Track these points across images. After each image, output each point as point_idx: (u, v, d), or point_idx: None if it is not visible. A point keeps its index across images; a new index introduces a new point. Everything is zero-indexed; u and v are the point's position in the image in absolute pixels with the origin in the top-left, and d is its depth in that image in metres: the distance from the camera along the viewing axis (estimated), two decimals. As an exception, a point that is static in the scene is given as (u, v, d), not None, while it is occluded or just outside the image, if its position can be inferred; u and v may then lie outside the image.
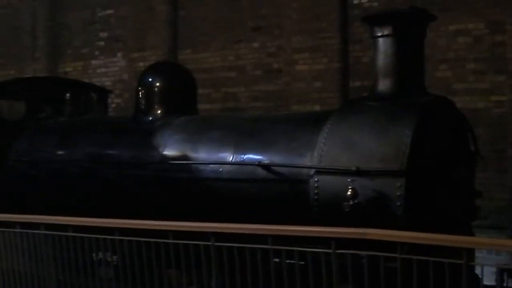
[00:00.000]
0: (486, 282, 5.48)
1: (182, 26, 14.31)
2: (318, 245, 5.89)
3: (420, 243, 5.42)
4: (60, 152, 9.45)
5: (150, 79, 9.09)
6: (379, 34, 6.94)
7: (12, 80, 12.80)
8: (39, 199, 9.31)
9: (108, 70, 15.70)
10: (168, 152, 8.06)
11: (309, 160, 6.81)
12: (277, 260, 6.13)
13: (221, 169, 7.48)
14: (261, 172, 7.11)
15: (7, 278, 8.26)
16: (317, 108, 11.63)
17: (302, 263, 6.00)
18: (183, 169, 7.82)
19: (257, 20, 13.27)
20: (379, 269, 5.56)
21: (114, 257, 7.37)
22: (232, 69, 13.40)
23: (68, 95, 10.73)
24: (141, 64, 14.27)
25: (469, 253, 5.52)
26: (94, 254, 7.55)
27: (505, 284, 5.39)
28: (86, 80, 13.57)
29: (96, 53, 16.13)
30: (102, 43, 16.05)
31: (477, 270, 5.72)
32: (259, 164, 7.11)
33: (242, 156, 7.39)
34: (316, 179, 6.60)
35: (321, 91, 12.12)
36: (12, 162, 9.91)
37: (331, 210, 6.42)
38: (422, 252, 5.41)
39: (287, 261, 6.04)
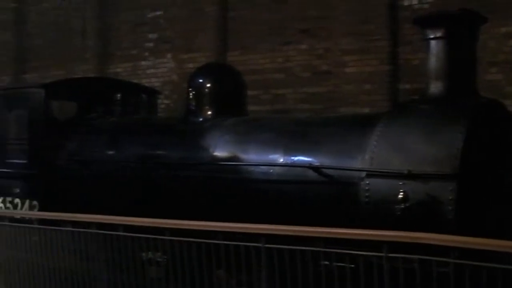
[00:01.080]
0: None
1: (231, 28, 14.32)
2: (368, 248, 5.86)
3: (472, 248, 5.36)
4: (110, 153, 9.55)
5: (201, 80, 9.14)
6: (431, 36, 6.90)
7: (64, 80, 12.93)
8: (90, 199, 9.41)
9: (157, 71, 15.76)
10: (218, 153, 8.10)
11: (359, 162, 6.78)
12: (327, 263, 6.12)
13: (271, 171, 7.49)
14: (311, 174, 7.10)
15: (59, 277, 8.35)
16: (366, 110, 11.55)
17: (353, 266, 5.98)
18: (233, 170, 7.84)
19: (306, 22, 13.22)
20: (430, 273, 5.51)
21: (164, 257, 7.42)
22: (281, 71, 13.36)
23: (118, 95, 10.82)
24: (190, 65, 14.30)
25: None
26: (143, 254, 7.61)
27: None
28: (135, 81, 13.64)
29: (145, 54, 16.20)
30: (151, 44, 16.12)
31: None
32: (310, 166, 7.11)
33: (292, 157, 7.40)
34: (367, 182, 6.58)
35: (370, 93, 12.04)
36: (63, 161, 10.03)
37: (381, 213, 6.39)
38: (473, 257, 5.36)
39: (338, 264, 6.01)
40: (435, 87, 6.89)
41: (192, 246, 6.88)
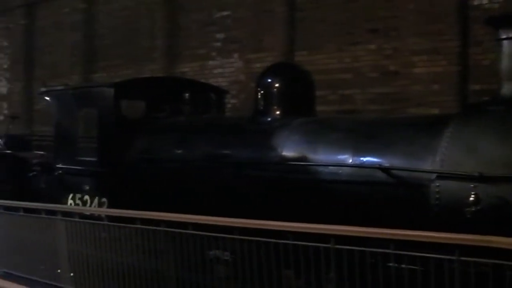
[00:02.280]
0: None
1: (298, 28, 14.32)
2: (437, 250, 5.79)
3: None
4: (178, 151, 9.63)
5: (270, 80, 9.15)
6: (504, 37, 6.76)
7: (133, 79, 13.08)
8: (158, 197, 9.50)
9: (225, 71, 15.85)
10: (287, 153, 8.10)
11: (430, 164, 6.70)
12: (397, 265, 6.06)
13: (340, 171, 7.46)
14: (380, 175, 7.04)
15: (127, 273, 8.44)
16: (434, 111, 11.42)
17: (422, 269, 5.92)
18: (301, 170, 7.83)
19: (374, 22, 13.14)
20: (503, 278, 5.43)
21: (232, 255, 7.44)
22: (349, 71, 13.30)
23: (187, 94, 10.89)
24: (257, 65, 14.34)
25: None
26: (211, 252, 7.65)
27: None
28: (203, 81, 13.72)
29: (213, 54, 16.32)
30: (218, 44, 16.21)
31: None
32: (379, 167, 7.06)
33: (362, 158, 7.35)
34: (437, 184, 6.50)
35: (439, 94, 11.90)
36: (132, 160, 10.15)
37: (452, 215, 6.30)
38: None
39: (408, 266, 5.96)
40: (508, 89, 6.75)
41: (261, 246, 6.89)
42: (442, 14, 12.13)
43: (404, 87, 12.49)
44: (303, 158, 7.89)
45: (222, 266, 7.62)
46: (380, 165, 7.07)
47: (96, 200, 10.42)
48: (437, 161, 6.60)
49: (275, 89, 9.00)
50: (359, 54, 13.29)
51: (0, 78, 25.63)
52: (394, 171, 6.97)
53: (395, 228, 6.07)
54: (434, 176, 6.54)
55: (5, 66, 25.35)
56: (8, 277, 10.37)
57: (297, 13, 14.41)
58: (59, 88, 12.52)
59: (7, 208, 10.75)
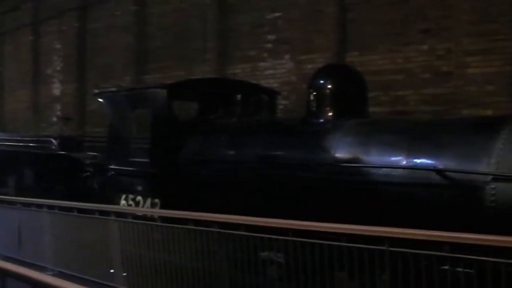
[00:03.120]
0: None
1: (350, 28, 14.24)
2: (494, 253, 5.70)
3: None
4: (231, 152, 9.66)
5: (322, 81, 9.13)
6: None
7: (185, 81, 13.16)
8: (210, 198, 9.54)
9: (276, 72, 15.82)
10: (339, 154, 8.07)
11: (485, 166, 6.63)
12: (453, 268, 5.99)
13: (393, 173, 7.41)
14: (434, 177, 6.98)
15: (180, 274, 8.49)
16: (489, 112, 11.28)
17: (478, 272, 5.84)
18: (354, 172, 7.80)
19: (426, 22, 13.01)
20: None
21: (285, 257, 7.43)
22: (401, 72, 13.18)
23: (238, 96, 10.90)
24: (308, 66, 14.30)
25: None
26: (264, 254, 7.65)
27: None
28: (254, 82, 13.72)
29: (264, 55, 16.31)
30: (270, 45, 16.19)
31: None
32: (433, 168, 6.99)
33: (415, 160, 7.29)
34: (493, 186, 6.43)
35: (493, 95, 11.73)
36: (184, 161, 10.20)
37: (508, 218, 6.23)
38: None
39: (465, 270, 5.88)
40: None
41: (314, 248, 6.87)
42: (496, 13, 11.96)
43: (457, 88, 12.33)
44: (356, 160, 7.85)
45: (275, 267, 7.62)
46: (434, 167, 7.01)
47: (148, 201, 10.49)
48: (493, 163, 6.53)
49: (327, 91, 8.97)
50: (411, 55, 13.16)
51: (53, 80, 25.97)
52: (448, 173, 6.91)
53: (449, 230, 6.00)
54: (489, 178, 6.48)
55: (58, 68, 25.67)
56: (62, 276, 10.50)
57: (348, 14, 14.34)
58: (112, 89, 12.64)
59: (62, 208, 10.89)
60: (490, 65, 12.00)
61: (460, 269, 5.86)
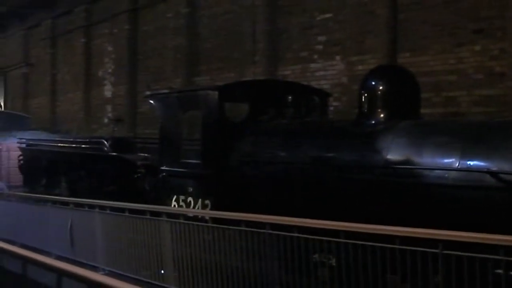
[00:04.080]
0: None
1: (401, 29, 14.14)
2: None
3: None
4: (282, 154, 9.65)
5: (374, 83, 9.07)
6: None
7: (236, 82, 13.20)
8: (261, 199, 9.54)
9: (327, 73, 15.79)
10: (392, 156, 8.00)
11: (539, 168, 6.54)
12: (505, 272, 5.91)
13: (446, 175, 7.33)
14: (489, 179, 6.89)
15: (231, 275, 8.51)
16: (543, 114, 11.13)
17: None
18: (407, 174, 7.72)
19: (479, 22, 12.86)
20: None
21: (335, 259, 7.40)
22: (453, 73, 13.04)
23: (290, 97, 10.88)
24: (360, 67, 14.28)
25: None
26: (315, 256, 7.64)
27: None
28: (305, 83, 13.69)
29: (315, 56, 16.28)
30: (320, 46, 16.16)
31: None
32: (487, 171, 6.90)
33: (469, 162, 7.20)
34: (548, 188, 6.34)
35: (547, 96, 11.62)
36: (236, 162, 10.21)
37: None
38: None
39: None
40: None
41: (366, 250, 6.84)
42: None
43: (510, 89, 12.17)
44: (408, 162, 7.78)
45: (326, 269, 7.60)
46: (488, 169, 6.92)
47: (199, 202, 10.53)
48: (549, 165, 6.43)
49: (379, 92, 8.91)
50: (464, 56, 13.02)
51: (105, 82, 26.30)
52: (502, 175, 6.82)
53: (503, 233, 5.92)
54: (545, 180, 6.38)
55: (110, 70, 25.98)
56: (114, 276, 10.60)
57: (399, 15, 14.24)
58: (164, 91, 12.73)
59: (113, 209, 10.99)
60: (544, 65, 11.84)
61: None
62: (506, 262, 5.80)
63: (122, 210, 10.75)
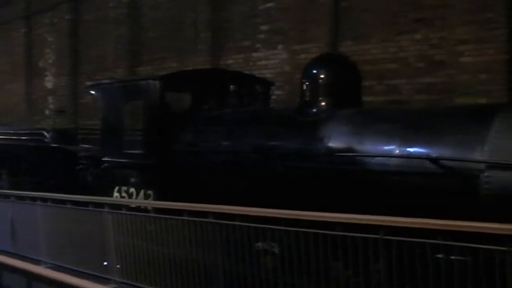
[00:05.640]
0: None
1: (343, 18, 14.20)
2: (488, 241, 5.69)
3: None
4: (225, 143, 9.63)
5: (316, 71, 9.10)
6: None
7: (179, 72, 13.12)
8: (205, 189, 9.51)
9: (269, 63, 15.76)
10: (334, 144, 8.05)
11: (479, 154, 6.62)
12: (446, 256, 5.98)
13: (387, 162, 7.40)
14: (429, 165, 6.97)
15: (174, 265, 8.47)
16: (482, 101, 11.26)
17: (472, 260, 5.83)
18: (348, 161, 7.77)
19: (420, 11, 12.98)
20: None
21: (279, 247, 7.42)
22: (394, 61, 13.17)
23: (232, 87, 10.86)
24: (302, 56, 14.29)
25: None
26: (259, 244, 7.65)
27: None
28: (247, 73, 13.67)
29: (257, 45, 16.26)
30: (263, 35, 16.14)
31: None
32: (427, 157, 6.98)
33: (409, 149, 7.28)
34: (487, 174, 6.42)
35: (486, 83, 11.71)
36: (178, 152, 10.17)
37: (503, 206, 6.23)
38: None
39: (458, 257, 5.87)
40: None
41: (309, 237, 6.86)
42: (490, 2, 11.94)
43: (451, 76, 12.32)
44: (350, 149, 7.83)
45: (270, 257, 7.61)
46: (428, 155, 6.99)
47: (142, 193, 10.47)
48: (487, 151, 6.53)
49: (321, 80, 8.95)
50: (405, 44, 13.13)
51: (46, 73, 25.92)
52: (443, 162, 6.90)
53: (444, 218, 5.99)
54: (483, 166, 6.46)
55: (51, 61, 25.62)
56: (57, 269, 10.49)
57: (341, 3, 14.30)
58: (105, 81, 12.60)
59: (55, 201, 10.85)
60: (483, 53, 11.99)
61: (453, 257, 5.85)
62: (444, 246, 5.86)
63: (64, 202, 10.62)
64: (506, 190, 6.19)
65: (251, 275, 7.59)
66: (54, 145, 14.06)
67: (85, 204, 10.07)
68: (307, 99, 9.04)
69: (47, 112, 25.35)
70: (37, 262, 11.02)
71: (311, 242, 6.86)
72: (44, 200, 11.06)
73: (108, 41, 21.94)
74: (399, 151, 7.33)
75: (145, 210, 9.50)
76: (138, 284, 9.04)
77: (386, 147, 7.50)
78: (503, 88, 11.60)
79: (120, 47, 21.10)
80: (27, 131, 16.14)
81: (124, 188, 10.82)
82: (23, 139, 15.52)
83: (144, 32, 20.44)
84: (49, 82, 25.72)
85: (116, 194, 10.92)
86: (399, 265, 6.17)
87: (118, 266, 9.44)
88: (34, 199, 11.33)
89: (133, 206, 9.88)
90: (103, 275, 9.68)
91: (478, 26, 12.02)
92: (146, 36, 20.36)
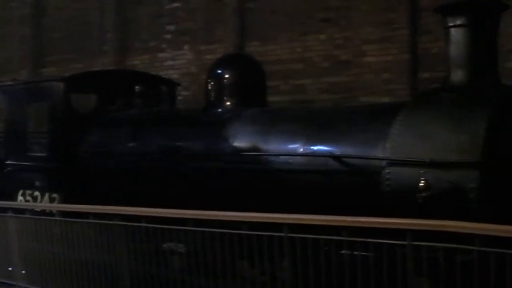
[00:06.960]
0: None
1: (250, 18, 14.27)
2: (390, 236, 5.81)
3: (498, 236, 5.29)
4: (131, 145, 9.58)
5: (220, 71, 9.16)
6: (452, 24, 6.82)
7: (83, 73, 12.95)
8: (112, 191, 9.44)
9: (175, 63, 15.69)
10: (239, 143, 8.10)
11: (381, 151, 6.74)
12: (350, 252, 6.09)
13: (292, 161, 7.49)
14: (332, 163, 7.08)
15: (80, 268, 8.38)
16: (385, 100, 11.48)
17: (375, 255, 5.95)
18: (254, 160, 7.84)
19: (326, 11, 13.14)
20: (453, 262, 5.47)
21: (185, 247, 7.42)
22: (300, 61, 13.31)
23: (138, 87, 10.80)
24: (208, 56, 14.27)
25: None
26: (166, 245, 7.63)
27: None
28: (154, 73, 13.59)
29: (163, 46, 16.18)
30: (169, 36, 16.06)
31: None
32: (330, 155, 7.09)
33: (313, 147, 7.38)
34: (388, 171, 6.54)
35: (390, 82, 11.97)
36: (84, 154, 10.07)
37: (403, 202, 6.35)
38: (498, 245, 5.30)
39: (361, 253, 5.98)
40: (456, 76, 6.81)
41: (215, 237, 6.88)
42: (393, 3, 12.19)
43: (355, 76, 12.52)
44: (255, 149, 7.89)
45: (176, 258, 7.60)
46: (331, 153, 7.10)
47: (46, 196, 10.30)
48: (388, 148, 6.64)
49: (225, 81, 9.01)
50: (311, 44, 13.28)
51: None
52: (346, 159, 7.01)
53: (348, 215, 6.09)
54: (384, 163, 6.58)
55: (-48, 62, 24.95)
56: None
57: (248, 4, 14.35)
58: (8, 83, 12.36)
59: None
60: (387, 53, 12.24)
61: (357, 253, 5.95)
62: (348, 242, 5.97)
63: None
64: (406, 186, 6.31)
65: (157, 276, 7.57)
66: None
67: (-12, 209, 9.85)
68: (212, 99, 9.09)
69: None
70: None
71: (217, 241, 6.88)
72: None
73: (12, 42, 21.47)
74: (303, 149, 7.42)
75: (51, 214, 9.36)
76: (44, 289, 8.91)
77: (290, 146, 7.59)
78: (406, 87, 11.86)
79: (24, 48, 20.68)
80: None
81: (28, 191, 10.63)
82: None
83: (49, 32, 20.08)
84: (-50, 84, 25.01)
85: (20, 198, 10.72)
86: (304, 262, 6.24)
87: (23, 271, 9.26)
88: None
89: (38, 210, 9.71)
90: (7, 281, 9.49)
91: (382, 26, 12.26)
92: (51, 36, 20.00)
